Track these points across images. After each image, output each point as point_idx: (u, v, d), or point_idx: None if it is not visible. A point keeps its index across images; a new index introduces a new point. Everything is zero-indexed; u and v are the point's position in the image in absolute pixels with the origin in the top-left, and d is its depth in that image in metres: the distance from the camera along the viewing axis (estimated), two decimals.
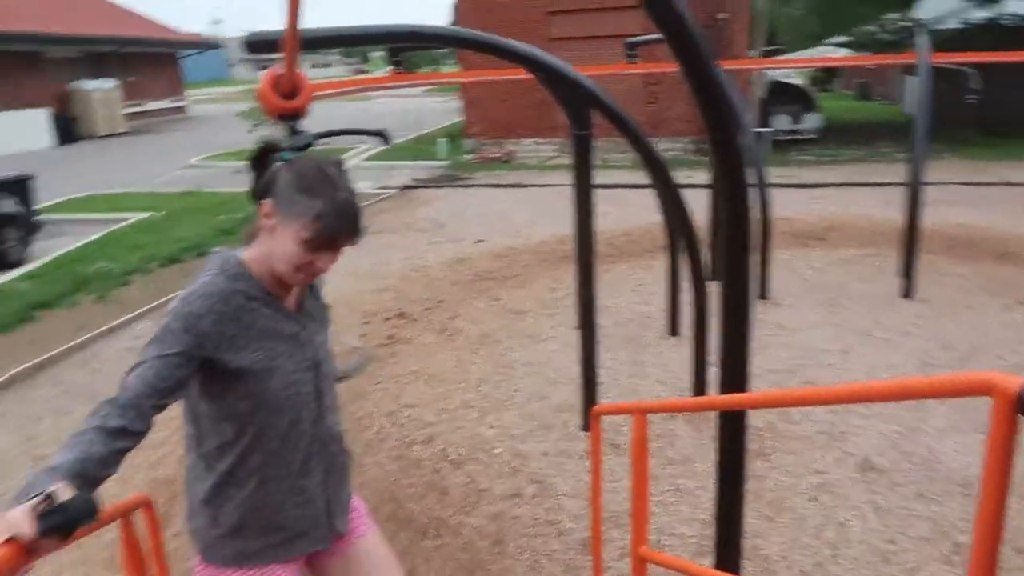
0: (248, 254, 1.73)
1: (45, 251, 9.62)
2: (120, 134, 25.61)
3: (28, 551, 1.13)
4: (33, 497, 1.16)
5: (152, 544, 2.17)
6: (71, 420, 5.01)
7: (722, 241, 2.50)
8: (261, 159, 1.72)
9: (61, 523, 1.14)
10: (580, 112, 4.37)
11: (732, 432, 2.52)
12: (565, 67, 4.32)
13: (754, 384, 5.01)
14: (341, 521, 1.92)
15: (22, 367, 5.83)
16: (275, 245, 1.66)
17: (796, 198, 11.53)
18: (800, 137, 18.60)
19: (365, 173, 16.06)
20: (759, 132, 16.81)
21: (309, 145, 2.76)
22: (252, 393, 1.67)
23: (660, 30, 2.23)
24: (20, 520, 1.13)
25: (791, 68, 21.89)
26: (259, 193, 1.70)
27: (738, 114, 2.39)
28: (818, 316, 6.33)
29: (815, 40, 25.63)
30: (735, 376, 2.52)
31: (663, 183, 4.89)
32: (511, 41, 4.33)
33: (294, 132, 2.67)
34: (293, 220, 1.62)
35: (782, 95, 19.18)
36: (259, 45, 3.39)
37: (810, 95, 20.08)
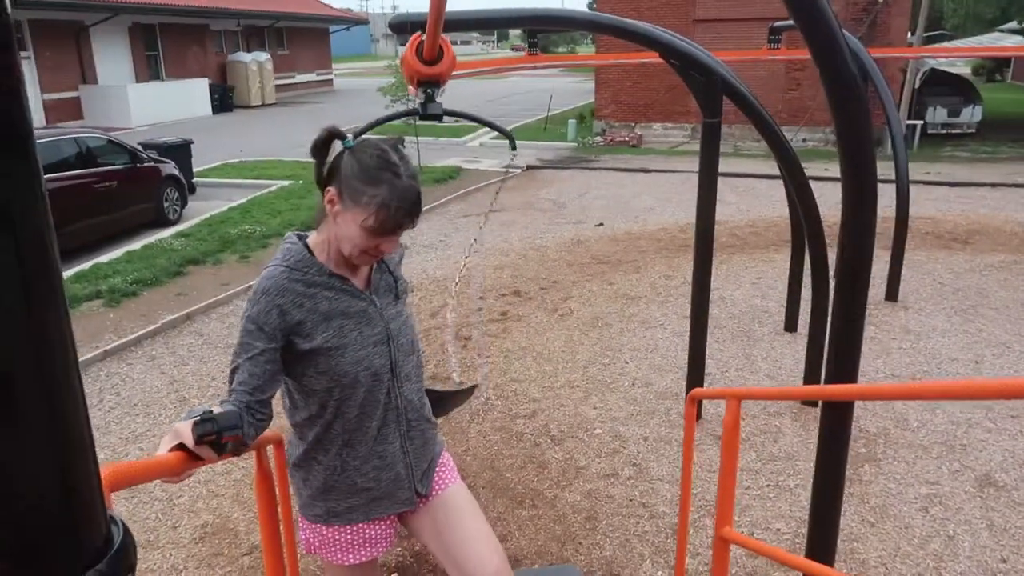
0: (314, 239, 1.83)
1: (197, 212, 10.46)
2: (270, 105, 27.22)
3: (190, 457, 1.42)
4: (195, 416, 1.47)
5: (279, 478, 2.38)
6: (210, 367, 5.51)
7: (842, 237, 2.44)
8: (324, 146, 1.74)
9: (212, 430, 1.43)
10: (712, 99, 4.31)
11: (835, 425, 2.48)
12: (697, 52, 4.27)
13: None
14: (424, 484, 2.00)
15: (172, 316, 6.42)
16: (340, 230, 1.73)
17: (943, 196, 10.84)
18: (957, 131, 17.31)
19: (491, 151, 16.35)
20: (910, 124, 15.81)
21: (439, 117, 2.74)
22: (326, 370, 1.78)
23: (791, 14, 2.20)
24: (184, 431, 1.43)
25: (954, 57, 20.32)
26: (323, 179, 1.75)
27: (868, 105, 2.33)
28: (950, 323, 5.97)
29: (987, 26, 23.62)
30: (844, 371, 2.47)
31: (791, 174, 4.76)
32: (642, 24, 4.33)
33: (429, 100, 2.68)
34: (356, 208, 1.68)
35: (940, 85, 17.85)
36: (403, 27, 3.58)
37: (972, 86, 18.61)
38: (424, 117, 2.73)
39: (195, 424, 1.43)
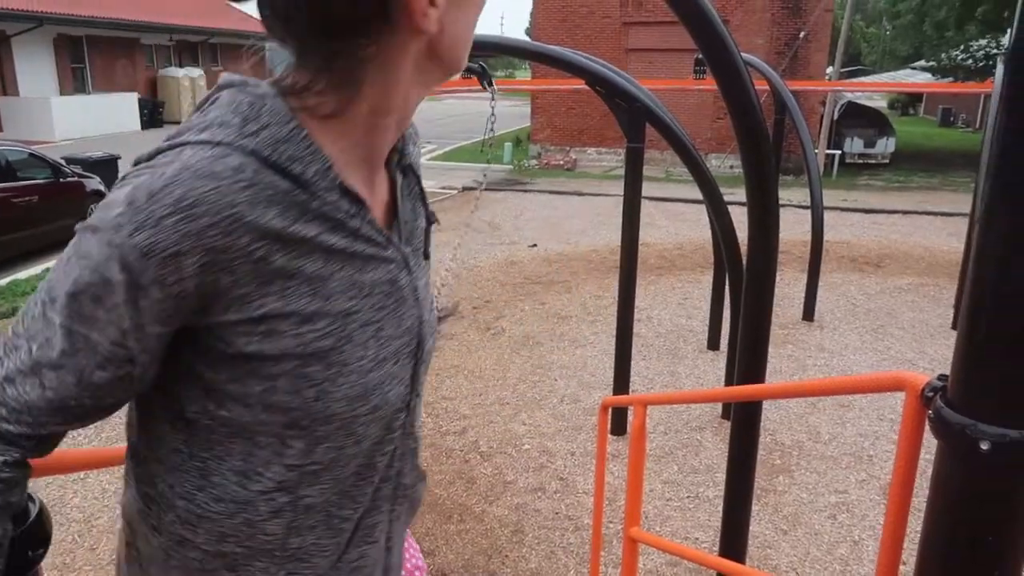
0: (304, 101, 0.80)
1: None
2: None
3: None
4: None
5: None
6: None
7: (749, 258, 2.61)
8: None
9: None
10: (635, 125, 4.51)
11: (743, 430, 2.62)
12: (620, 80, 4.46)
13: (786, 402, 5.06)
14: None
15: None
16: (454, 28, 0.81)
17: (858, 223, 11.39)
18: (872, 161, 18.24)
19: (429, 172, 16.43)
20: (829, 154, 16.60)
21: None
22: (277, 404, 0.79)
23: (698, 46, 2.36)
24: None
25: (867, 91, 21.45)
26: None
27: (768, 136, 2.50)
28: (861, 341, 6.29)
29: (902, 62, 25.02)
30: (751, 374, 2.62)
31: (711, 199, 5.00)
32: (568, 52, 4.51)
33: None
34: None
35: (857, 117, 18.82)
36: None
37: (886, 119, 19.67)
38: None
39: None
